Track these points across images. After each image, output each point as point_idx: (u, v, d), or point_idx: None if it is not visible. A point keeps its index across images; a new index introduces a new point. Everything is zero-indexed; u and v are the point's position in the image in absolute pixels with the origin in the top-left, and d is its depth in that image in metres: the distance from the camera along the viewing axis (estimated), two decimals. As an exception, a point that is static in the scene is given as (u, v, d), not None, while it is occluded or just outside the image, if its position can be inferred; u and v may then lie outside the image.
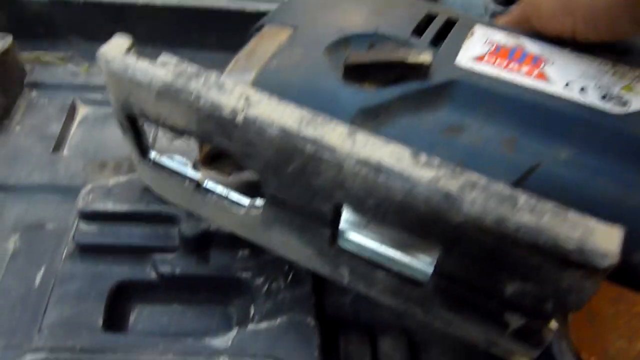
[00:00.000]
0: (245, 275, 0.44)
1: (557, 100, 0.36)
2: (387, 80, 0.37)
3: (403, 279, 0.35)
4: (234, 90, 0.32)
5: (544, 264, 0.28)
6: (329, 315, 0.46)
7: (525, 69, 0.38)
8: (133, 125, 0.38)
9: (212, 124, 0.32)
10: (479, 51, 0.39)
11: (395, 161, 0.29)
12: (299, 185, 0.33)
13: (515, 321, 0.32)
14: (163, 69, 0.33)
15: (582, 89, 0.37)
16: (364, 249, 0.37)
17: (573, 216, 0.27)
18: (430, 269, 0.36)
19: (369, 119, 0.36)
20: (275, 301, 0.43)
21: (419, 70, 0.36)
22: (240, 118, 0.31)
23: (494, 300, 0.32)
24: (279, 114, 0.31)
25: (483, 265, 0.30)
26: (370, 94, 0.36)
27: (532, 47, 0.40)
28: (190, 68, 0.33)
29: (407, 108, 0.36)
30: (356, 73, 0.37)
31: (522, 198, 0.28)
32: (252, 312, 0.42)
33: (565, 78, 0.37)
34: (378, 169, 0.29)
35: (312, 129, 0.30)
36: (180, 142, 0.55)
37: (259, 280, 0.44)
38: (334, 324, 0.45)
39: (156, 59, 0.34)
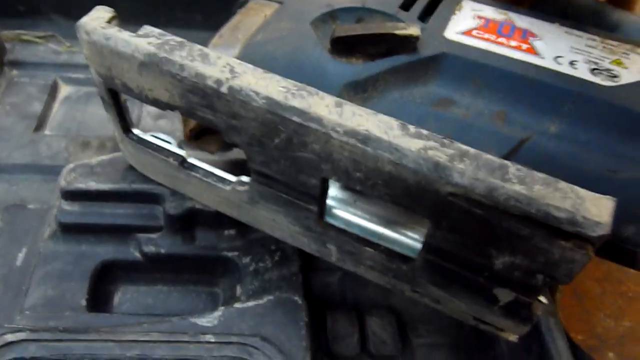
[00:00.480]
0: (232, 254, 0.43)
1: (547, 73, 0.35)
2: (376, 53, 0.36)
3: (391, 255, 0.34)
4: (218, 61, 0.31)
5: (534, 235, 0.27)
6: (316, 294, 0.45)
7: (514, 42, 0.37)
8: (115, 100, 0.37)
9: (196, 95, 0.31)
10: (467, 25, 0.38)
11: (384, 131, 0.28)
12: (285, 159, 0.32)
13: (504, 296, 0.32)
14: (146, 39, 0.32)
15: (572, 63, 0.36)
16: (351, 225, 0.37)
17: (564, 186, 0.27)
18: (418, 245, 0.36)
19: (357, 92, 0.35)
20: (262, 280, 0.42)
21: (408, 44, 0.36)
22: (224, 88, 0.30)
23: (483, 274, 0.31)
24: (265, 84, 0.30)
25: (472, 238, 0.29)
26: (358, 68, 0.35)
27: (521, 21, 0.39)
28: (174, 39, 0.32)
29: (395, 82, 0.36)
30: (344, 46, 0.36)
31: (513, 168, 0.27)
32: (238, 291, 0.42)
33: (554, 52, 0.37)
34: (366, 139, 0.28)
35: (299, 99, 0.29)
36: (164, 122, 0.53)
37: (246, 260, 0.43)
38: (321, 303, 0.44)
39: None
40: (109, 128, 0.54)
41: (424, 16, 0.40)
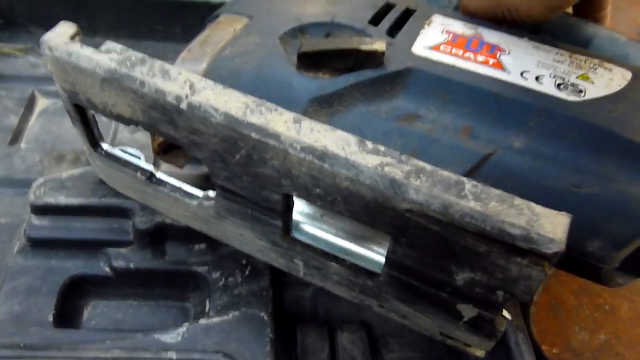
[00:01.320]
0: (202, 269, 0.43)
1: (512, 88, 0.35)
2: (342, 68, 0.36)
3: (357, 271, 0.34)
4: (178, 77, 0.31)
5: (491, 252, 0.27)
6: (287, 309, 0.45)
7: (481, 57, 0.37)
8: (82, 115, 0.37)
9: (157, 112, 0.31)
10: (435, 40, 0.38)
11: (341, 148, 0.28)
12: (247, 174, 0.32)
13: (467, 311, 0.32)
14: (107, 55, 0.32)
15: (538, 78, 0.36)
16: (318, 240, 0.36)
17: (519, 202, 0.26)
18: (383, 261, 0.36)
19: (322, 107, 0.35)
20: (232, 295, 0.41)
21: (374, 59, 0.36)
22: (184, 105, 0.30)
23: (446, 290, 0.31)
24: (224, 101, 0.30)
25: (432, 254, 0.29)
26: (324, 82, 0.35)
27: (490, 36, 0.39)
28: (135, 55, 0.32)
29: (361, 96, 0.36)
30: (310, 61, 0.36)
31: (469, 185, 0.27)
32: (207, 307, 0.41)
33: (521, 67, 0.37)
34: (323, 155, 0.28)
35: (258, 115, 0.29)
36: (141, 135, 0.53)
37: (216, 275, 0.42)
38: (292, 318, 0.44)
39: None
40: None
41: (393, 31, 0.40)
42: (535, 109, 0.34)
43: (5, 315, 0.39)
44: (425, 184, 0.27)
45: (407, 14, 0.41)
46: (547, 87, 0.36)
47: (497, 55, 0.37)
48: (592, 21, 0.45)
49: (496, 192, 0.27)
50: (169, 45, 0.64)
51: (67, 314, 0.41)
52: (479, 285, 0.29)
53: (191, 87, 0.30)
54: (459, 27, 0.40)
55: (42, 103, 0.58)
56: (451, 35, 0.39)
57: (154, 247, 0.43)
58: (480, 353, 0.35)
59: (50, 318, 0.39)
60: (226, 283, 0.42)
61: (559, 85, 0.36)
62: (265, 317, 0.39)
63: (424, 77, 0.36)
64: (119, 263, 0.42)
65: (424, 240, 0.29)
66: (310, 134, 0.29)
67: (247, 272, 0.43)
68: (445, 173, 0.27)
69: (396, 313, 0.35)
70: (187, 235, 0.42)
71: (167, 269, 0.43)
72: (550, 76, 0.36)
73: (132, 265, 0.42)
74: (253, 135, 0.29)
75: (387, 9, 0.42)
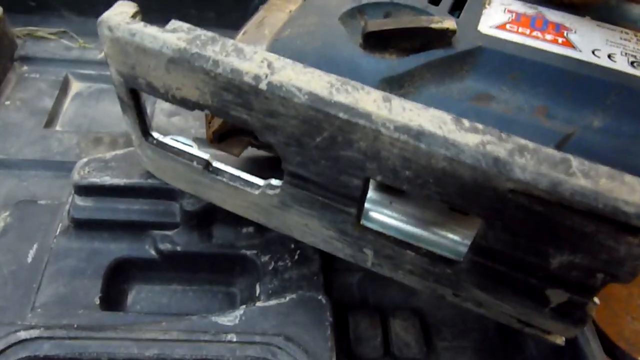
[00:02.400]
0: (250, 252, 0.41)
1: (587, 66, 0.34)
2: (409, 48, 0.35)
3: (434, 259, 0.33)
4: (254, 56, 0.29)
5: (599, 232, 0.26)
6: (336, 295, 0.44)
7: (549, 36, 0.36)
8: (136, 101, 0.35)
9: (230, 93, 0.30)
10: (499, 19, 0.37)
11: (437, 126, 0.27)
12: (326, 159, 0.30)
13: (557, 297, 0.30)
14: (174, 34, 0.30)
15: (610, 56, 0.35)
16: (388, 228, 0.35)
17: (630, 180, 0.25)
18: (462, 247, 0.35)
19: (393, 88, 0.34)
20: (282, 280, 0.40)
21: (443, 38, 0.34)
22: (263, 85, 0.28)
23: (536, 275, 0.30)
24: (307, 79, 0.28)
25: (529, 237, 0.28)
26: (394, 63, 0.34)
27: (552, 15, 0.38)
28: (205, 34, 0.30)
29: (432, 77, 0.34)
30: (377, 41, 0.34)
31: (575, 162, 0.26)
32: (257, 291, 0.40)
33: (591, 45, 0.36)
34: (419, 135, 0.26)
35: (344, 94, 0.28)
36: (178, 119, 0.52)
37: (265, 258, 0.41)
38: (341, 305, 0.43)
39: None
40: (121, 125, 0.52)
41: (454, 10, 0.38)
42: (612, 86, 0.33)
43: (51, 298, 0.38)
44: (531, 161, 0.26)
45: (464, -6, 0.40)
46: (621, 64, 0.34)
47: (565, 34, 0.36)
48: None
49: (604, 169, 0.26)
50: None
51: (112, 297, 0.40)
52: (577, 269, 0.28)
53: (270, 66, 0.29)
54: (520, 6, 0.39)
55: (75, 86, 0.57)
56: (514, 14, 0.38)
57: (201, 229, 0.41)
58: (560, 341, 0.34)
59: (97, 301, 0.38)
60: (276, 267, 0.41)
61: (632, 63, 0.35)
62: (324, 301, 0.37)
63: (496, 56, 0.34)
64: (165, 246, 0.41)
65: (523, 222, 0.27)
66: (403, 113, 0.27)
67: (296, 257, 0.41)
68: (549, 150, 0.26)
69: (472, 302, 0.34)
70: (235, 218, 0.40)
71: (215, 252, 0.42)
72: (621, 54, 0.35)
73: (178, 248, 0.41)
74: (341, 115, 0.27)
75: (442, -12, 0.40)
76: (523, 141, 0.26)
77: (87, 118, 0.55)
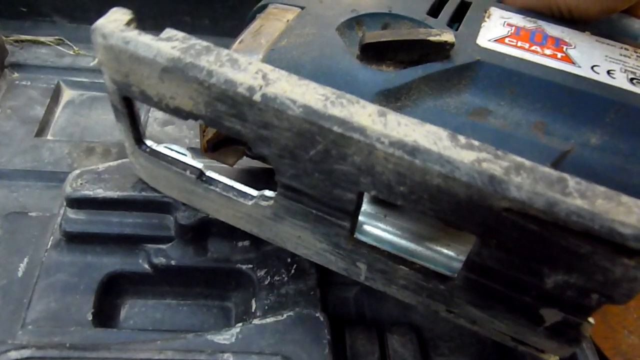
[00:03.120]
0: (246, 267, 0.41)
1: (586, 82, 0.34)
2: (407, 61, 0.34)
3: (428, 274, 0.32)
4: (249, 67, 0.29)
5: (594, 253, 0.25)
6: (332, 310, 0.43)
7: (548, 51, 0.36)
8: (129, 109, 0.35)
9: (224, 104, 0.29)
10: (498, 33, 0.37)
11: (433, 142, 0.26)
12: (320, 172, 0.30)
13: (551, 316, 0.30)
14: (169, 43, 0.30)
15: (609, 72, 0.35)
16: (382, 242, 0.35)
17: (626, 200, 0.25)
18: (456, 264, 0.34)
19: (389, 101, 0.33)
20: (278, 295, 0.40)
21: (442, 51, 0.34)
22: (257, 96, 0.28)
23: (530, 294, 0.29)
24: (301, 92, 0.28)
25: (523, 256, 0.28)
26: (391, 75, 0.34)
27: (552, 29, 0.38)
28: (200, 43, 0.30)
29: (429, 90, 0.34)
30: (374, 53, 0.34)
31: (572, 182, 0.25)
32: (253, 306, 0.39)
33: (590, 61, 0.36)
34: (414, 150, 0.26)
35: (339, 108, 0.27)
36: (172, 128, 0.51)
37: (261, 273, 0.41)
38: (338, 319, 0.42)
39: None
40: (114, 134, 0.52)
41: (452, 23, 0.38)
42: (611, 103, 0.33)
43: (42, 314, 0.37)
44: (527, 180, 0.25)
45: (463, 6, 0.40)
46: (621, 81, 0.34)
47: (564, 49, 0.36)
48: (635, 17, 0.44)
49: (601, 189, 0.25)
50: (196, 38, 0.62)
51: (105, 312, 0.39)
52: (572, 289, 0.28)
53: (264, 77, 0.28)
54: (519, 20, 0.39)
55: (67, 94, 0.56)
56: (513, 28, 0.38)
57: (196, 243, 0.41)
58: (554, 359, 0.34)
59: (90, 317, 0.37)
60: (272, 282, 0.40)
61: (631, 79, 0.35)
62: (321, 318, 0.37)
63: (494, 71, 0.34)
64: (159, 260, 0.40)
65: (517, 241, 0.27)
66: (398, 128, 0.27)
67: (292, 271, 0.41)
68: (545, 169, 0.26)
69: (466, 318, 0.34)
70: (231, 231, 0.40)
71: (210, 266, 0.41)
72: (621, 70, 0.35)
73: (172, 262, 0.40)
74: (335, 129, 0.27)
75: (442, 0, 0.40)
76: (519, 159, 0.26)
77: (79, 127, 0.54)
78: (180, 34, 0.30)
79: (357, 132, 0.27)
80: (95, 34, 0.31)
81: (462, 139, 0.27)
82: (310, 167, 0.30)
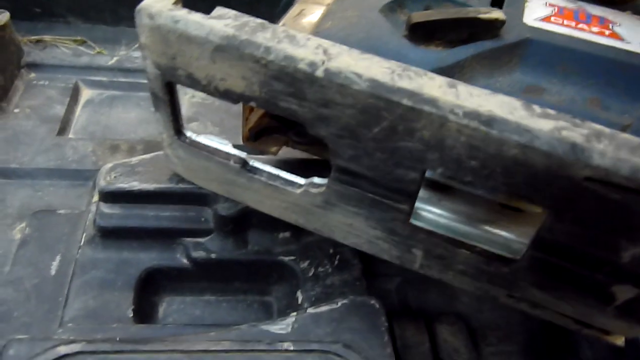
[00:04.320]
0: (288, 259, 0.40)
1: (638, 57, 0.33)
2: (456, 40, 0.34)
3: (490, 257, 0.31)
4: (308, 42, 0.28)
5: (680, 221, 0.25)
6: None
7: (595, 29, 0.35)
8: (171, 96, 0.33)
9: (281, 82, 0.28)
10: (543, 12, 0.36)
11: (508, 112, 0.25)
12: (382, 151, 0.29)
13: (624, 293, 0.29)
14: (221, 21, 0.29)
15: (659, 48, 0.35)
16: (441, 226, 0.34)
17: None
18: (518, 245, 0.33)
19: (442, 80, 0.33)
20: (324, 286, 0.38)
21: (492, 29, 0.33)
22: (320, 72, 0.27)
23: (603, 270, 0.28)
24: (366, 65, 0.27)
25: (601, 228, 0.27)
26: (442, 54, 0.33)
27: (593, 10, 0.38)
28: (254, 20, 0.29)
29: (481, 69, 0.33)
30: (423, 32, 0.33)
31: (655, 147, 0.25)
32: (300, 298, 0.38)
33: (638, 37, 0.35)
34: (490, 121, 0.25)
35: (407, 80, 0.26)
36: (196, 125, 0.50)
37: (304, 265, 0.39)
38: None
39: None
40: (137, 132, 0.50)
41: (494, 5, 0.38)
42: (667, 77, 0.33)
43: (80, 311, 0.36)
44: (610, 147, 0.24)
45: (502, -11, 0.39)
46: (672, 56, 0.34)
47: (610, 27, 0.36)
48: None
49: (685, 154, 0.25)
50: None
51: (144, 310, 0.38)
52: (651, 261, 0.27)
53: (325, 52, 0.27)
54: (560, 0, 0.38)
55: (86, 93, 0.55)
56: (556, 8, 0.37)
57: (236, 235, 0.39)
58: (620, 342, 0.33)
59: (130, 314, 0.36)
60: (317, 273, 0.39)
61: (682, 54, 0.34)
62: (377, 305, 0.35)
63: (545, 48, 0.33)
64: (198, 254, 0.39)
65: (596, 212, 0.26)
66: (471, 98, 0.26)
67: (336, 262, 0.40)
68: (626, 135, 0.25)
69: (527, 303, 0.33)
70: (272, 222, 0.39)
71: (251, 259, 0.40)
72: (670, 46, 0.35)
73: (213, 256, 0.39)
74: (405, 101, 0.26)
75: (480, -17, 0.40)
76: (598, 126, 0.25)
77: (100, 125, 0.53)
78: (232, 12, 0.29)
79: (429, 104, 0.26)
80: (141, 15, 0.30)
81: (537, 108, 0.26)
82: (372, 147, 0.29)
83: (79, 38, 0.60)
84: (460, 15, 0.33)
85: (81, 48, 0.59)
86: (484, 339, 0.41)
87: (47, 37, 0.59)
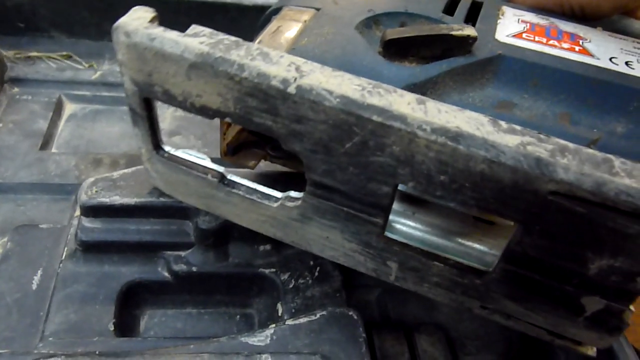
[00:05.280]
0: (269, 271, 0.40)
1: (606, 73, 0.34)
2: (430, 56, 0.34)
3: (463, 270, 0.32)
4: (281, 60, 0.28)
5: (643, 233, 0.25)
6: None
7: (566, 45, 0.36)
8: (149, 112, 0.34)
9: (255, 99, 0.29)
10: (515, 29, 0.37)
11: (475, 128, 0.26)
12: (355, 165, 0.29)
13: (593, 305, 0.30)
14: (196, 39, 0.29)
15: (627, 64, 0.35)
16: (414, 239, 0.34)
17: (673, 179, 0.25)
18: (490, 257, 0.34)
19: (416, 96, 0.33)
20: (304, 298, 0.39)
21: (464, 45, 0.34)
22: (292, 88, 0.27)
23: (572, 282, 0.29)
24: (337, 82, 0.27)
25: (568, 241, 0.27)
26: (415, 70, 0.33)
27: (565, 26, 0.38)
28: (228, 38, 0.29)
29: (454, 84, 0.34)
30: (397, 49, 0.34)
31: (617, 162, 0.25)
32: (280, 310, 0.38)
33: (607, 53, 0.36)
34: (458, 136, 0.26)
35: (377, 97, 0.27)
36: (179, 139, 0.50)
37: (284, 277, 0.40)
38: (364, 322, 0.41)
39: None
40: (120, 146, 0.51)
41: (467, 22, 0.38)
42: (634, 92, 0.33)
43: (61, 325, 0.36)
44: (574, 162, 0.25)
45: (475, 5, 0.40)
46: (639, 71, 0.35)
47: (581, 43, 0.37)
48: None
49: (647, 168, 0.25)
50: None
51: (125, 323, 0.38)
52: (617, 273, 0.27)
53: (298, 69, 0.28)
54: (533, 17, 0.39)
55: (69, 108, 0.56)
56: (528, 24, 0.38)
57: (216, 248, 0.40)
58: (592, 352, 0.33)
59: (111, 327, 0.36)
60: (297, 285, 0.39)
61: (649, 70, 0.35)
62: (355, 316, 0.36)
63: (516, 64, 0.34)
64: (179, 267, 0.39)
65: (562, 226, 0.26)
66: (439, 115, 0.26)
67: (316, 273, 0.40)
68: (590, 150, 0.26)
69: (501, 314, 0.33)
70: (252, 235, 0.39)
71: (232, 271, 0.40)
72: (638, 62, 0.36)
73: (194, 269, 0.39)
74: (374, 118, 0.27)
75: (454, 0, 0.40)
76: (562, 142, 0.26)
77: (83, 139, 0.53)
78: (207, 30, 0.30)
79: (398, 121, 0.26)
80: (118, 33, 0.30)
81: (503, 124, 0.26)
82: (345, 161, 0.29)
83: (65, 53, 0.60)
84: (433, 32, 0.34)
85: (68, 62, 0.59)
86: (462, 348, 0.42)
87: (34, 53, 0.59)
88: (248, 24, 0.53)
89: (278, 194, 0.35)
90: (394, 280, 0.35)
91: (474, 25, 0.37)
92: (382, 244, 0.33)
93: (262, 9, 0.44)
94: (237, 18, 0.57)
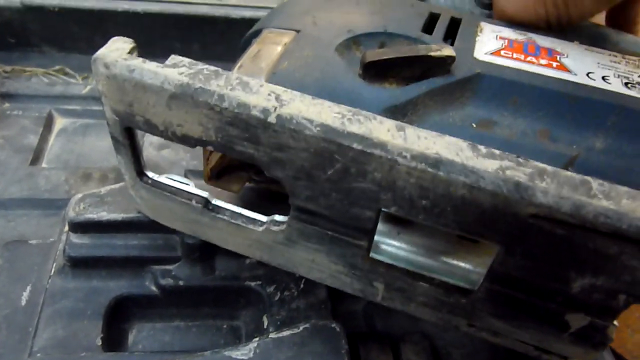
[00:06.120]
0: (255, 284, 0.40)
1: (584, 89, 0.34)
2: (409, 77, 0.34)
3: (448, 289, 0.32)
4: (260, 89, 0.28)
5: (622, 253, 0.25)
6: (342, 324, 0.42)
7: (543, 61, 0.36)
8: (131, 140, 0.34)
9: (236, 128, 0.29)
10: (493, 46, 0.37)
11: (455, 153, 0.26)
12: (337, 191, 0.29)
13: (577, 321, 0.30)
14: (176, 69, 0.29)
15: (604, 78, 0.36)
16: (399, 260, 0.34)
17: (650, 199, 0.25)
18: (476, 276, 0.34)
19: (396, 117, 0.33)
20: (290, 310, 0.39)
21: (443, 65, 0.34)
22: (272, 118, 0.27)
23: (556, 300, 0.29)
24: (317, 111, 0.27)
25: (550, 262, 0.27)
26: (395, 92, 0.34)
27: (542, 41, 0.39)
28: (208, 68, 0.29)
29: (434, 105, 0.34)
30: (376, 71, 0.34)
31: (595, 184, 0.26)
32: (265, 322, 0.39)
33: (584, 69, 0.36)
34: (437, 163, 0.26)
35: (357, 125, 0.27)
36: (168, 152, 0.50)
37: (270, 289, 0.40)
38: (349, 334, 0.41)
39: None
40: (110, 160, 0.51)
41: (446, 39, 0.38)
42: (611, 107, 0.33)
43: (49, 341, 0.36)
44: (552, 185, 0.25)
45: (454, 22, 0.40)
46: (616, 86, 0.35)
47: (558, 58, 0.37)
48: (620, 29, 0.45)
49: (624, 189, 0.26)
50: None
51: (113, 338, 0.38)
52: (599, 291, 0.28)
53: (278, 98, 0.28)
54: (510, 33, 0.39)
55: (60, 122, 0.56)
56: (506, 41, 0.38)
57: (203, 262, 0.40)
58: (578, 365, 0.34)
59: (99, 342, 0.36)
60: (282, 297, 0.40)
61: (626, 84, 0.35)
62: (337, 329, 0.36)
63: (495, 82, 0.34)
64: (166, 281, 0.40)
65: (543, 247, 0.27)
66: (419, 141, 0.27)
67: (302, 285, 0.41)
68: (567, 173, 0.26)
69: (488, 331, 0.33)
70: (238, 248, 0.39)
71: (218, 284, 0.40)
72: (614, 76, 0.36)
73: (181, 283, 0.40)
74: (355, 146, 0.27)
75: (432, 18, 0.41)
76: (541, 165, 0.26)
77: (74, 154, 0.53)
78: (187, 60, 0.30)
79: (378, 148, 0.26)
80: (97, 64, 0.30)
81: (482, 148, 0.27)
82: (328, 187, 0.29)
83: (58, 67, 0.60)
84: (411, 54, 0.34)
85: (61, 77, 0.59)
86: (448, 357, 0.42)
87: (27, 68, 0.59)
88: (236, 37, 0.53)
89: (263, 218, 0.35)
90: (380, 300, 0.35)
91: (452, 43, 0.38)
92: (368, 265, 0.33)
93: (250, 21, 0.44)
94: (226, 31, 0.57)
